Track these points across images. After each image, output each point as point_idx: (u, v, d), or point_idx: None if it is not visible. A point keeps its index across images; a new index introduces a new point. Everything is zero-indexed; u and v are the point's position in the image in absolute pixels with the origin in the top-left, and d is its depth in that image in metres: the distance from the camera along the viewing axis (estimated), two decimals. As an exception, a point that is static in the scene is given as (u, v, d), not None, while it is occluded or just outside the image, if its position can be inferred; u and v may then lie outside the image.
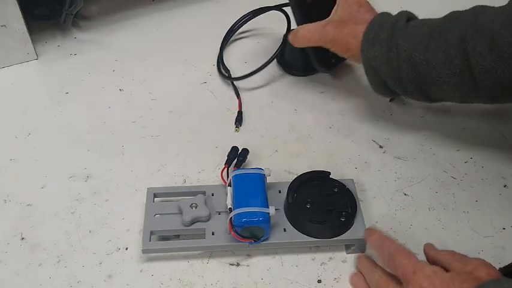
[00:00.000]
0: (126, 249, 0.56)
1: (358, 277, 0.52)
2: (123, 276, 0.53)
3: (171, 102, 0.73)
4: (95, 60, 0.79)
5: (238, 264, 0.54)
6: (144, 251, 0.53)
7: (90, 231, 0.57)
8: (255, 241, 0.53)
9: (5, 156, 0.65)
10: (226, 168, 0.59)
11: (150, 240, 0.54)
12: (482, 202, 0.60)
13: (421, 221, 0.59)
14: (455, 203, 0.60)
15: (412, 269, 0.45)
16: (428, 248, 0.51)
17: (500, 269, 0.54)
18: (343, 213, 0.54)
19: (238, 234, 0.52)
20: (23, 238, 0.57)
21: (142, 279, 0.53)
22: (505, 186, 0.62)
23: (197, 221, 0.55)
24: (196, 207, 0.55)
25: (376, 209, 0.59)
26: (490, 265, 0.45)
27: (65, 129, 0.69)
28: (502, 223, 0.58)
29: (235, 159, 0.61)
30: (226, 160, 0.61)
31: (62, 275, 0.53)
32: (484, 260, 0.46)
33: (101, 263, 0.54)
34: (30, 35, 0.76)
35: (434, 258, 0.49)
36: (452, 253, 0.48)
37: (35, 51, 0.79)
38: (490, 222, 0.58)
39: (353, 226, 0.55)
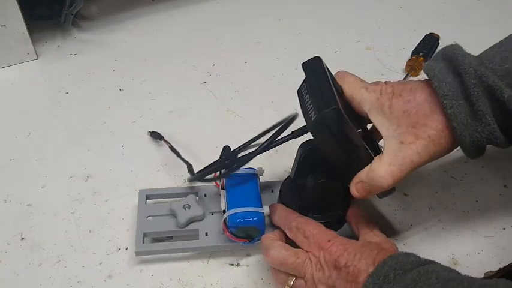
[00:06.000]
0: (126, 249, 0.56)
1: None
2: (123, 276, 0.53)
3: (171, 102, 0.73)
4: (95, 60, 0.79)
5: (238, 264, 0.54)
6: (137, 253, 0.53)
7: (90, 231, 0.57)
8: (249, 241, 0.53)
9: (5, 156, 0.65)
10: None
11: (143, 242, 0.53)
12: (482, 202, 0.60)
13: (421, 221, 0.59)
14: (455, 203, 0.60)
15: (326, 237, 0.48)
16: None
17: (500, 269, 0.54)
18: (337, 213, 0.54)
19: (232, 234, 0.52)
20: (23, 238, 0.57)
21: (142, 279, 0.53)
22: (505, 186, 0.62)
23: (193, 221, 0.55)
24: (189, 208, 0.55)
25: (376, 210, 0.59)
26: (391, 242, 0.50)
27: (65, 129, 0.69)
28: (502, 223, 0.58)
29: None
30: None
31: (62, 275, 0.53)
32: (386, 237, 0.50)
33: (101, 263, 0.54)
34: (30, 35, 0.76)
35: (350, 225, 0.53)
36: (363, 224, 0.52)
37: (35, 51, 0.79)
38: (490, 222, 0.58)
39: (346, 225, 0.55)
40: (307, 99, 0.48)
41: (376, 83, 0.49)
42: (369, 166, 0.47)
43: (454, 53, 0.45)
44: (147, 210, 0.56)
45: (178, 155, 0.62)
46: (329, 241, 0.47)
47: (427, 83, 0.46)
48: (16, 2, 0.72)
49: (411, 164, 0.46)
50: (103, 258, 0.55)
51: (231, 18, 0.88)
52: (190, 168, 0.58)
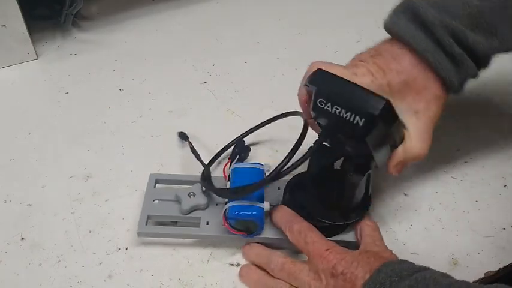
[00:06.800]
0: (126, 249, 0.56)
1: (249, 267, 0.53)
2: (123, 276, 0.53)
3: (171, 102, 0.73)
4: (95, 60, 0.79)
5: (238, 264, 0.54)
6: (139, 234, 0.54)
7: (90, 231, 0.57)
8: (247, 234, 0.53)
9: (5, 156, 0.65)
10: (230, 163, 0.59)
11: (146, 224, 0.54)
12: (482, 202, 0.60)
13: (421, 221, 0.59)
14: (455, 203, 0.60)
15: (325, 246, 0.49)
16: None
17: (500, 269, 0.54)
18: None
19: (231, 226, 0.52)
20: (23, 238, 0.57)
21: (142, 279, 0.53)
22: (505, 186, 0.62)
23: (196, 209, 0.55)
24: (194, 196, 0.55)
25: (376, 209, 0.59)
26: (392, 251, 0.50)
27: (65, 129, 0.69)
28: (502, 223, 0.58)
29: (238, 155, 0.61)
30: (231, 154, 0.61)
31: (62, 275, 0.53)
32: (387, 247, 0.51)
33: (100, 263, 0.54)
34: (30, 35, 0.76)
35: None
36: (367, 233, 0.52)
37: (35, 51, 0.79)
38: (490, 222, 0.58)
39: (348, 228, 0.55)
40: (334, 110, 0.44)
41: (357, 65, 0.50)
42: (402, 147, 0.50)
43: (415, 6, 0.48)
44: (154, 194, 0.57)
45: (198, 157, 0.61)
46: (327, 250, 0.48)
47: (402, 44, 0.49)
48: (16, 2, 0.72)
49: (433, 125, 0.50)
50: (103, 258, 0.55)
51: (231, 18, 0.88)
52: (206, 171, 0.57)
